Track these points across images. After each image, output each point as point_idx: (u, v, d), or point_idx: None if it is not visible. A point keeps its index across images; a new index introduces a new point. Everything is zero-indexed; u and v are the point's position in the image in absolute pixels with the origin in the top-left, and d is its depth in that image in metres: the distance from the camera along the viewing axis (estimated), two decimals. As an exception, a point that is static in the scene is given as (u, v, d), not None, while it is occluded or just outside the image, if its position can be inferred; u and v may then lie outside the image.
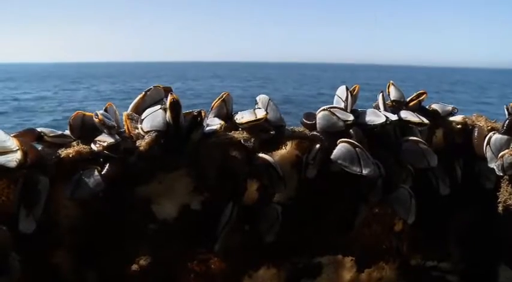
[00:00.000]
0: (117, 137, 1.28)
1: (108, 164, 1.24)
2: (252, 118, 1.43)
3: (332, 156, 1.42)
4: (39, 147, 1.29)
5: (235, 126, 1.46)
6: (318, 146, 1.46)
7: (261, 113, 1.43)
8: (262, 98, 1.51)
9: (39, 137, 1.30)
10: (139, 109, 1.43)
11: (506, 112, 1.61)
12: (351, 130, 1.47)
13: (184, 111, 1.34)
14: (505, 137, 1.55)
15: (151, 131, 1.28)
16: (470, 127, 1.67)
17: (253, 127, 1.43)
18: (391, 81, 1.71)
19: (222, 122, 1.41)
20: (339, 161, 1.41)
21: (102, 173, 1.23)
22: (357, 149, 1.40)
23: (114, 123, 1.31)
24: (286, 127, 1.52)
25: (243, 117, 1.45)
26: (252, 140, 1.42)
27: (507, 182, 1.58)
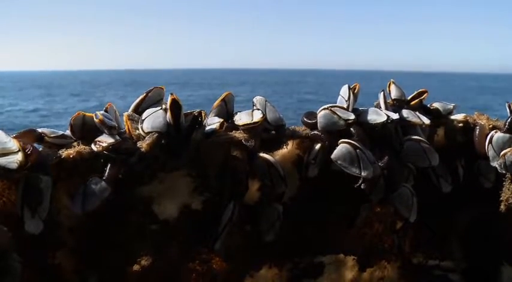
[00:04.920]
0: (118, 137, 1.28)
1: (108, 167, 1.24)
2: (249, 121, 1.43)
3: (332, 156, 1.41)
4: (40, 148, 1.29)
5: (236, 126, 1.46)
6: (319, 145, 1.46)
7: (257, 116, 1.43)
8: (259, 100, 1.51)
9: (40, 138, 1.29)
10: (140, 109, 1.43)
11: (508, 110, 1.60)
12: (352, 129, 1.47)
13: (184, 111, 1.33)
14: (507, 135, 1.54)
15: (152, 132, 1.27)
16: (472, 125, 1.66)
17: (251, 129, 1.43)
18: (392, 80, 1.70)
19: (221, 120, 1.41)
20: (339, 162, 1.40)
21: (104, 177, 1.23)
22: (357, 150, 1.40)
23: (114, 124, 1.31)
24: (287, 126, 1.52)
25: (240, 118, 1.45)
26: (253, 139, 1.42)
27: (509, 181, 1.57)
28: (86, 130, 1.34)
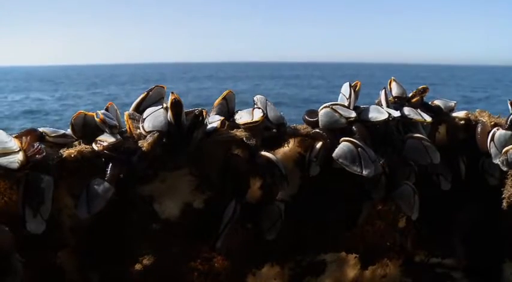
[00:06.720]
0: (119, 136, 1.28)
1: (110, 167, 1.24)
2: (249, 120, 1.42)
3: (333, 155, 1.41)
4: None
5: (237, 125, 1.46)
6: (320, 143, 1.46)
7: (258, 115, 1.43)
8: (260, 99, 1.50)
9: (41, 137, 1.29)
10: (141, 108, 1.42)
11: (510, 107, 1.60)
12: (353, 127, 1.47)
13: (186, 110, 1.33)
14: (509, 132, 1.53)
15: (153, 131, 1.27)
16: (474, 123, 1.66)
17: (252, 127, 1.43)
18: (393, 77, 1.70)
19: (222, 118, 1.41)
20: (340, 160, 1.40)
21: (106, 178, 1.23)
22: (358, 148, 1.39)
23: (115, 123, 1.30)
24: (289, 125, 1.52)
25: (241, 117, 1.45)
26: (254, 138, 1.42)
27: (511, 178, 1.57)
28: (87, 129, 1.33)
